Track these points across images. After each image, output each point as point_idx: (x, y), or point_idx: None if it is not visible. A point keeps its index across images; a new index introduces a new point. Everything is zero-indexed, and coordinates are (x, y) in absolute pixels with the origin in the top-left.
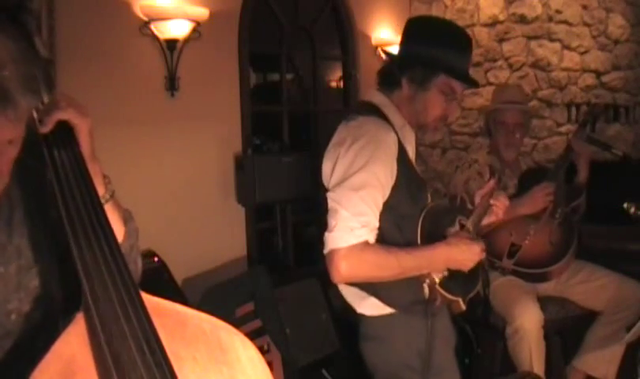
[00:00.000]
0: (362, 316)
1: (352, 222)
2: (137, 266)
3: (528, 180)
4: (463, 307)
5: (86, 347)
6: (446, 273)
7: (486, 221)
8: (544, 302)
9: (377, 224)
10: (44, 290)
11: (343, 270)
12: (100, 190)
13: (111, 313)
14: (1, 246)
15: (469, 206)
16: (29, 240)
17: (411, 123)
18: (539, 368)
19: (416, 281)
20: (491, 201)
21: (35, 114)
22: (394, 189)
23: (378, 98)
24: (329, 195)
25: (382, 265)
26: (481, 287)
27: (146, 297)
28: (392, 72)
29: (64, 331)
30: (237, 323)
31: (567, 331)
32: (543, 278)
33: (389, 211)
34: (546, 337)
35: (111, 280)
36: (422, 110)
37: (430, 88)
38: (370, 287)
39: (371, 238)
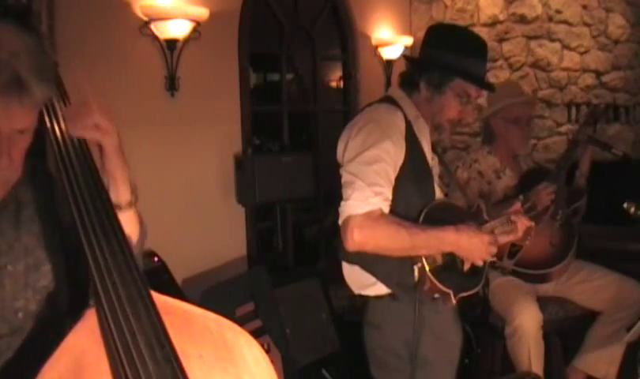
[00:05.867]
0: (363, 301)
1: (367, 191)
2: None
3: (528, 180)
4: (453, 301)
5: (96, 343)
6: (439, 261)
7: (504, 237)
8: (543, 302)
9: (389, 196)
10: (52, 289)
11: (356, 237)
12: (127, 196)
13: (121, 309)
14: (9, 244)
15: (485, 216)
16: (38, 239)
17: (426, 122)
18: (537, 368)
19: (409, 262)
20: (512, 217)
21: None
22: (401, 168)
23: (396, 93)
24: (344, 169)
25: (394, 236)
26: (480, 288)
27: (154, 295)
28: (411, 75)
29: (74, 327)
30: (237, 323)
31: (567, 331)
32: (542, 279)
33: (393, 196)
34: (546, 337)
35: (122, 278)
36: (438, 112)
37: (446, 92)
38: (368, 264)
39: (385, 207)
